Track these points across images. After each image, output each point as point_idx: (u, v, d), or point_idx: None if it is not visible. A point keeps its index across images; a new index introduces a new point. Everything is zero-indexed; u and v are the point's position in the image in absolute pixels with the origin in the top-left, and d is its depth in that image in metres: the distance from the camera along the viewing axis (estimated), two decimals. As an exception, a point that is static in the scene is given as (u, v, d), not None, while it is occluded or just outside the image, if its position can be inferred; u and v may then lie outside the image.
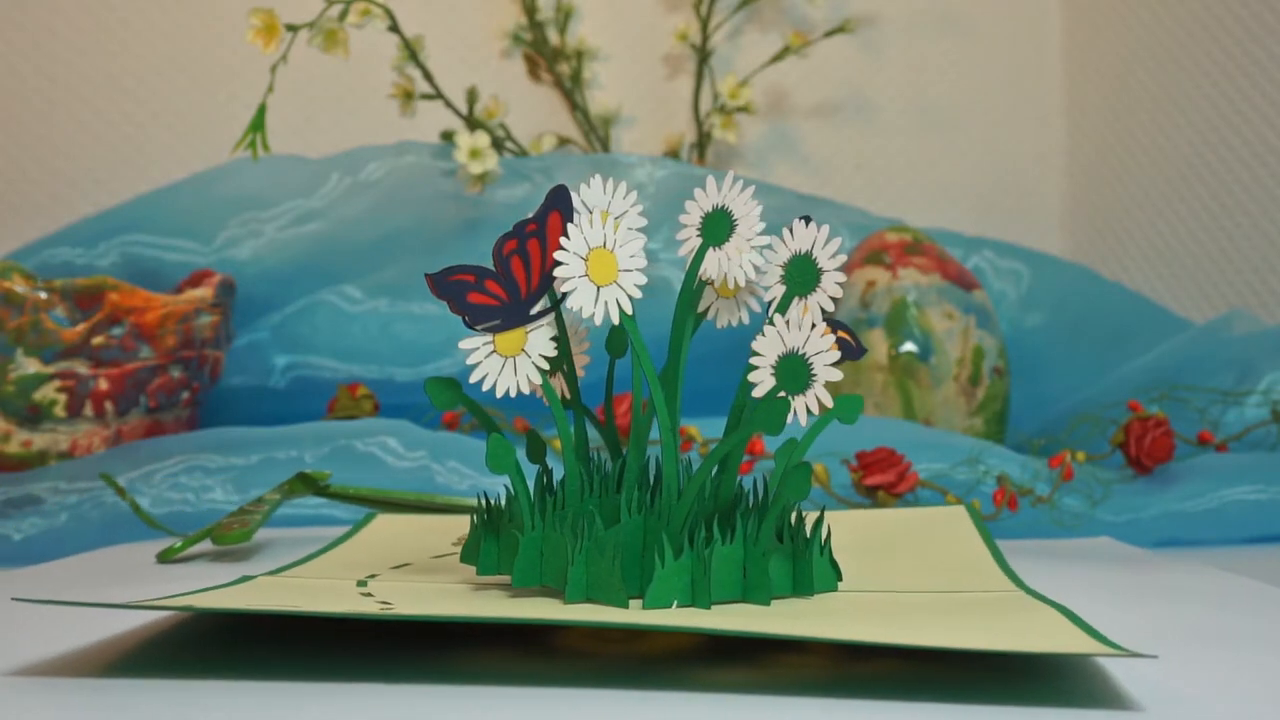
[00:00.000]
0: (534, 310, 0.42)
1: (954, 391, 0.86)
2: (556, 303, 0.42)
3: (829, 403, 0.40)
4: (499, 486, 0.69)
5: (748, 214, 0.41)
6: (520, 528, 0.42)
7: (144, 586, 0.49)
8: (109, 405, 0.79)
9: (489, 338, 0.41)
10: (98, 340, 0.78)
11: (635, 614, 0.39)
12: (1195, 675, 0.35)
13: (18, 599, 0.40)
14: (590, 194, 0.42)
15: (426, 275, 0.41)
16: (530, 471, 0.45)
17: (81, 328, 0.78)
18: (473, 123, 1.00)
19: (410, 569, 0.48)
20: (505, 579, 0.44)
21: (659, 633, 0.40)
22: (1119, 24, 1.16)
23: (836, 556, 0.44)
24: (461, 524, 0.56)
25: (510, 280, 0.41)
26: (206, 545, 0.61)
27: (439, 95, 0.98)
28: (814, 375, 0.40)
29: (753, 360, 0.41)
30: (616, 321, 0.41)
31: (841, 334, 0.44)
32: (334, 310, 0.92)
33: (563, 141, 1.11)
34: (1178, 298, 1.11)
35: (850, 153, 1.20)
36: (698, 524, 0.41)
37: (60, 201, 1.08)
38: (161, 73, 1.10)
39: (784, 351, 0.40)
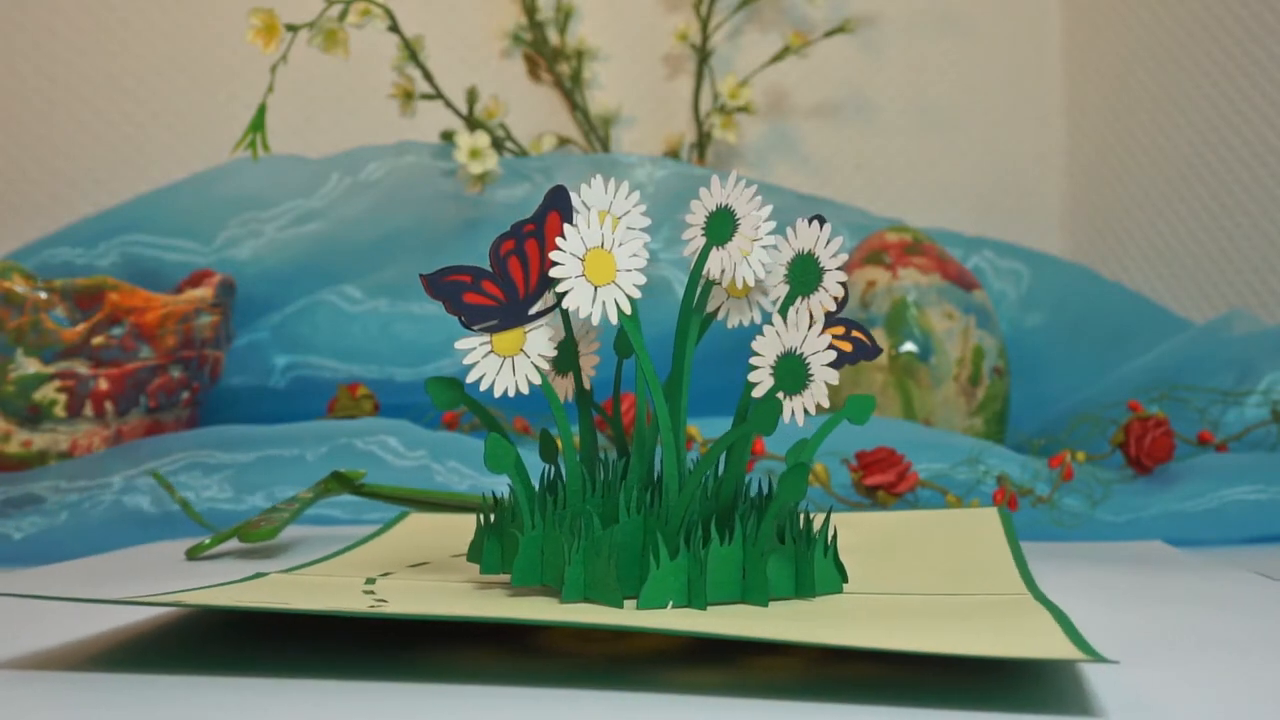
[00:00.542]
0: (533, 310, 0.42)
1: (954, 391, 0.86)
2: (558, 303, 0.42)
3: (825, 403, 0.40)
4: (501, 486, 0.69)
5: (750, 213, 0.41)
6: (520, 527, 0.42)
7: (169, 582, 0.49)
8: (109, 405, 0.79)
9: (486, 338, 0.41)
10: (98, 340, 0.78)
11: (607, 614, 0.39)
12: (1180, 682, 0.34)
13: (5, 594, 0.41)
14: (591, 194, 0.42)
15: (421, 276, 0.41)
16: (536, 471, 0.45)
17: (81, 328, 0.78)
18: (473, 123, 1.00)
19: (426, 568, 0.49)
20: (508, 578, 0.44)
21: (644, 633, 0.40)
22: (1119, 24, 1.16)
23: (855, 558, 0.44)
24: None
25: (508, 280, 0.41)
26: (236, 543, 0.62)
27: (439, 95, 0.98)
28: (811, 375, 0.40)
29: (752, 360, 0.41)
30: (615, 321, 0.41)
31: (856, 334, 0.43)
32: (334, 310, 0.92)
33: (563, 141, 1.11)
34: (1178, 298, 1.11)
35: (850, 153, 1.20)
36: (695, 524, 0.41)
37: (60, 201, 1.08)
38: (161, 73, 1.10)
39: (782, 351, 0.40)
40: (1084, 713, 0.31)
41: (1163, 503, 0.70)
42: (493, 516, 0.44)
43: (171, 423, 0.82)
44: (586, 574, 0.41)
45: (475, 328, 0.41)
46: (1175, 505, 0.70)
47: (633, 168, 0.98)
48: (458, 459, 0.73)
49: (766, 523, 0.41)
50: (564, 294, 0.40)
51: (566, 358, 0.45)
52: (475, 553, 0.45)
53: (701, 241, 0.42)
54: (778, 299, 0.42)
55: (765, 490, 0.44)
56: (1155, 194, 1.14)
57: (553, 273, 0.40)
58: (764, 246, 0.42)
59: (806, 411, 0.40)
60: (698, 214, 0.42)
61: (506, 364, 0.41)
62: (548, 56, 1.11)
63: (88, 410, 0.78)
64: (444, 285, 0.41)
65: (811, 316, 0.42)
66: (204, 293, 0.84)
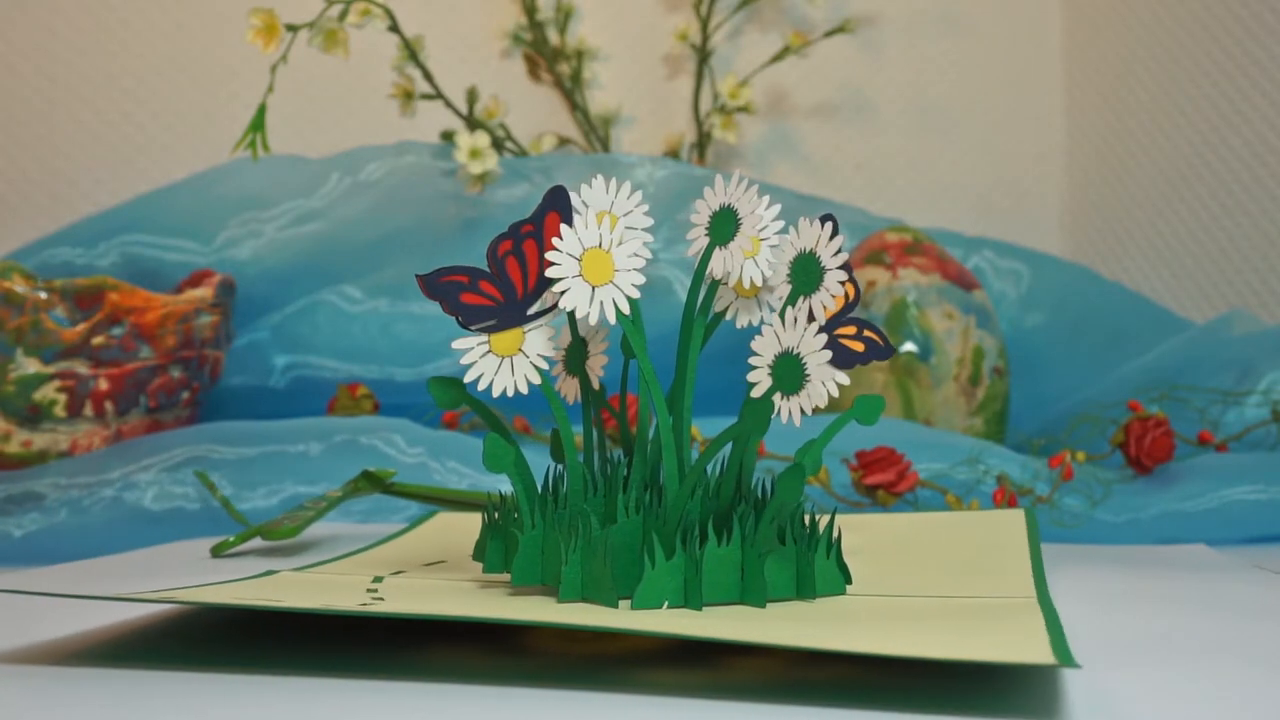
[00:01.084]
0: (531, 310, 0.42)
1: (954, 391, 0.86)
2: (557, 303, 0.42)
3: (823, 403, 0.40)
4: (507, 485, 0.69)
5: (752, 212, 0.41)
6: (520, 526, 0.42)
7: (189, 579, 0.49)
8: (109, 405, 0.79)
9: (484, 338, 0.41)
10: (98, 340, 0.78)
11: (597, 614, 0.38)
12: (1156, 687, 0.34)
13: (3, 590, 0.41)
14: (592, 194, 0.42)
15: (418, 276, 0.41)
16: (541, 470, 0.45)
17: (81, 328, 0.78)
18: (473, 123, 1.00)
19: (439, 567, 0.49)
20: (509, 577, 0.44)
21: (631, 634, 0.40)
22: (1119, 24, 1.16)
23: (870, 559, 0.43)
24: None
25: (505, 281, 0.41)
26: (261, 541, 0.62)
27: (439, 95, 0.98)
28: (808, 375, 0.40)
29: (751, 360, 0.41)
30: (613, 321, 0.41)
31: (868, 333, 0.43)
32: (334, 310, 0.92)
33: (563, 141, 1.11)
34: (1178, 298, 1.11)
35: (850, 153, 1.20)
36: (693, 525, 0.41)
37: (60, 201, 1.08)
38: (161, 73, 1.10)
39: (780, 351, 0.40)
40: (1045, 716, 0.31)
41: (1163, 503, 0.70)
42: (497, 515, 0.44)
43: (171, 423, 0.82)
44: (584, 574, 0.41)
45: (473, 328, 0.41)
46: (1175, 505, 0.70)
47: (633, 168, 0.98)
48: (457, 459, 0.73)
49: (764, 523, 0.41)
50: (561, 294, 0.40)
51: (576, 358, 0.45)
52: (480, 552, 0.45)
53: (705, 242, 0.42)
54: (782, 298, 0.42)
55: (766, 491, 0.44)
56: (1155, 194, 1.14)
57: (549, 273, 0.40)
58: (771, 246, 0.42)
59: (803, 412, 0.40)
60: (702, 214, 0.42)
61: (505, 364, 0.41)
62: (548, 56, 1.11)
63: (88, 410, 0.78)
64: (440, 285, 0.41)
65: (813, 316, 0.41)
66: (204, 293, 0.84)
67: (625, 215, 0.42)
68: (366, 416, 0.82)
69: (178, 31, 1.10)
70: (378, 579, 0.46)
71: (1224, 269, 1.08)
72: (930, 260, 0.88)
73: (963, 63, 1.21)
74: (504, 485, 0.69)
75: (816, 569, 0.42)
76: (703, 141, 1.13)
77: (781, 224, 0.42)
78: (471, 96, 1.01)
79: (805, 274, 0.42)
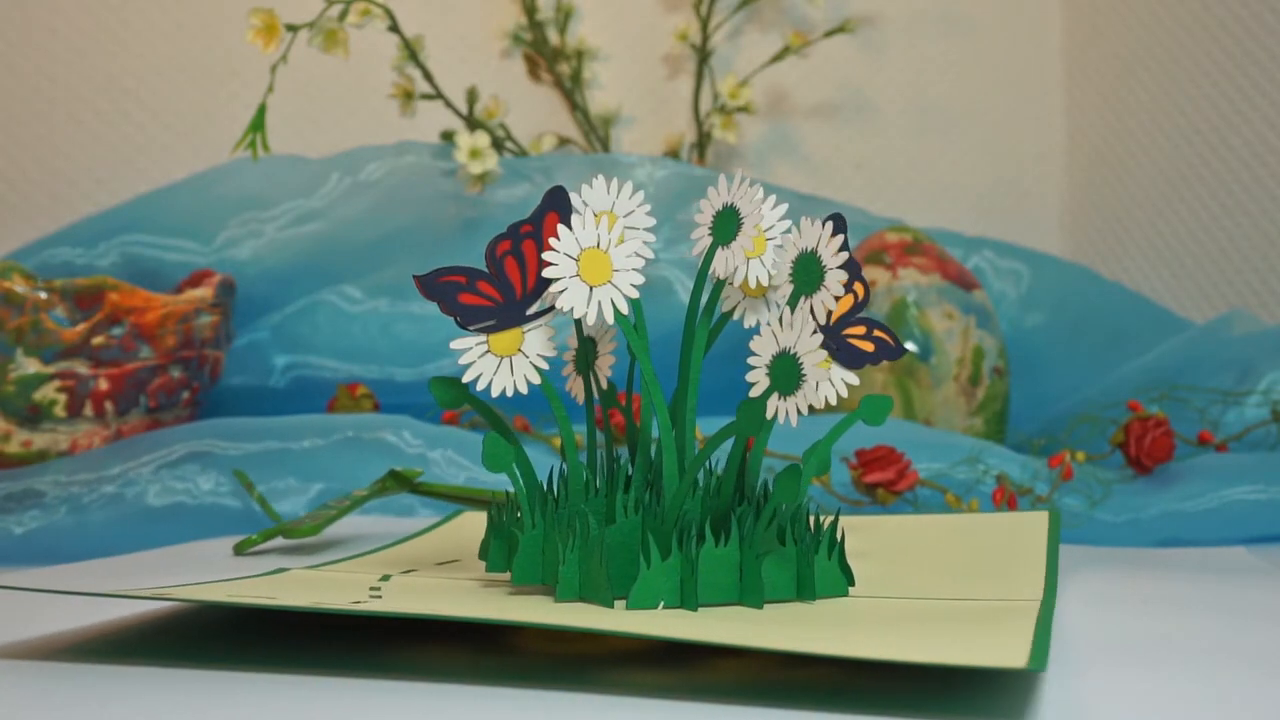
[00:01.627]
0: (531, 311, 0.42)
1: (954, 391, 0.86)
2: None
3: (819, 404, 0.40)
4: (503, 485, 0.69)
5: (753, 211, 0.41)
6: (520, 526, 0.43)
7: (208, 576, 0.49)
8: (109, 405, 0.79)
9: (482, 338, 0.41)
10: (98, 340, 0.78)
11: (588, 615, 0.38)
12: (1125, 692, 0.33)
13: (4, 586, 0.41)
14: (594, 194, 0.42)
15: (415, 277, 0.41)
16: (544, 470, 0.45)
17: (81, 328, 0.78)
18: (473, 123, 1.00)
19: (451, 566, 0.49)
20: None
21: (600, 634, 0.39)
22: (1119, 24, 1.16)
23: (881, 561, 0.43)
24: None
25: (504, 281, 0.41)
26: (284, 539, 0.62)
27: (439, 95, 0.98)
28: (804, 375, 0.39)
29: (750, 360, 0.41)
30: (611, 321, 0.41)
31: (878, 333, 0.43)
32: (334, 310, 0.92)
33: (563, 141, 1.11)
34: (1178, 298, 1.11)
35: (850, 153, 1.20)
36: (690, 525, 0.41)
37: (60, 201, 1.08)
38: (161, 73, 1.10)
39: (777, 351, 0.40)
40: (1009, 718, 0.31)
41: (1163, 503, 0.70)
42: (503, 514, 0.44)
43: (171, 422, 0.82)
44: (581, 573, 0.41)
45: (471, 328, 0.41)
46: (1175, 505, 0.70)
47: (633, 168, 0.98)
48: (458, 454, 0.73)
49: (761, 523, 0.41)
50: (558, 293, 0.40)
51: (584, 358, 0.45)
52: (484, 550, 0.45)
53: (709, 242, 0.42)
54: (785, 297, 0.42)
55: (769, 492, 0.43)
56: (1155, 194, 1.14)
57: (546, 273, 0.40)
58: (777, 246, 0.42)
59: (800, 412, 0.40)
60: (705, 214, 0.42)
61: (504, 364, 0.41)
62: (548, 56, 1.11)
63: (88, 410, 0.78)
64: (438, 286, 0.41)
65: (814, 316, 0.41)
66: (204, 293, 0.84)
67: (627, 215, 0.42)
68: (367, 414, 0.82)
69: (178, 31, 1.10)
70: (385, 577, 0.46)
71: (1224, 269, 1.08)
72: (930, 260, 0.88)
73: (963, 63, 1.21)
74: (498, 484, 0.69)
75: (817, 570, 0.42)
76: (703, 141, 1.13)
77: (788, 224, 0.42)
78: (471, 96, 1.01)
79: (806, 273, 0.42)
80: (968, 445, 0.74)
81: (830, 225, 0.42)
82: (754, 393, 0.40)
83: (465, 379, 0.41)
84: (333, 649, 0.39)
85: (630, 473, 0.43)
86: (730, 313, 0.44)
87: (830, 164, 1.19)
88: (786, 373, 0.40)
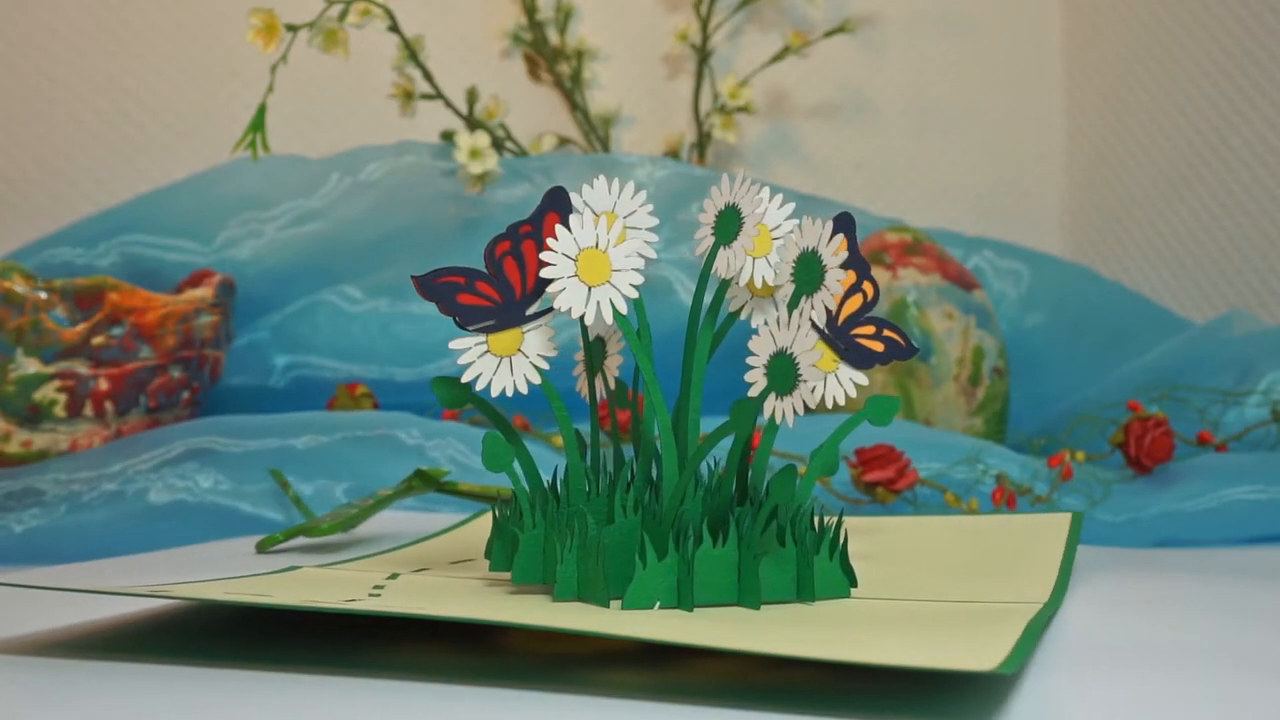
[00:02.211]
0: (530, 311, 0.42)
1: (954, 391, 0.86)
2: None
3: (813, 403, 0.40)
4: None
5: (754, 210, 0.41)
6: (521, 525, 0.43)
7: (227, 574, 0.49)
8: (109, 405, 0.79)
9: (482, 338, 0.41)
10: (98, 340, 0.78)
11: (582, 616, 0.38)
12: (1099, 694, 0.33)
13: (4, 584, 0.41)
14: (595, 194, 0.42)
15: (413, 277, 0.41)
16: (548, 469, 0.45)
17: (81, 328, 0.78)
18: (473, 123, 1.00)
19: (464, 565, 0.49)
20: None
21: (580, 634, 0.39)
22: (1119, 24, 1.16)
23: (891, 562, 0.43)
24: None
25: (503, 281, 0.41)
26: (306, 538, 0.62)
27: (439, 95, 0.98)
28: (801, 375, 0.39)
29: (749, 360, 0.40)
30: (609, 321, 0.41)
31: (888, 333, 0.43)
32: (334, 310, 0.92)
33: (563, 141, 1.11)
34: (1178, 298, 1.11)
35: (850, 153, 1.20)
36: (689, 525, 0.41)
37: (60, 201, 1.08)
38: (161, 73, 1.10)
39: (775, 351, 0.40)
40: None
41: (1163, 503, 0.70)
42: (508, 514, 0.44)
43: (171, 423, 0.82)
44: (579, 573, 0.41)
45: (470, 328, 0.41)
46: (1175, 505, 0.70)
47: (633, 168, 0.98)
48: (454, 448, 0.73)
49: (759, 524, 0.41)
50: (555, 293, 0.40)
51: (593, 358, 0.45)
52: (489, 550, 0.45)
53: (711, 242, 0.42)
54: (786, 296, 0.42)
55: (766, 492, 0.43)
56: (1155, 194, 1.14)
57: (544, 273, 0.40)
58: (780, 245, 0.42)
59: (795, 412, 0.40)
60: (708, 214, 0.42)
61: (504, 364, 0.41)
62: (548, 56, 1.11)
63: (88, 410, 0.78)
64: (437, 286, 0.41)
65: (814, 314, 0.41)
66: (204, 293, 0.84)
67: (629, 215, 0.42)
68: (368, 411, 0.82)
69: (178, 31, 1.10)
70: (393, 576, 0.46)
71: (1224, 269, 1.08)
72: (930, 260, 0.88)
73: (963, 63, 1.21)
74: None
75: (817, 571, 0.42)
76: (703, 141, 1.13)
77: (795, 223, 0.42)
78: (471, 96, 1.01)
79: (807, 273, 0.42)
80: (967, 445, 0.74)
81: (830, 225, 0.42)
82: (752, 392, 0.40)
83: (465, 379, 0.41)
84: (332, 647, 0.39)
85: (631, 473, 0.43)
86: (737, 313, 0.44)
87: (830, 164, 1.19)
88: (783, 373, 0.40)
